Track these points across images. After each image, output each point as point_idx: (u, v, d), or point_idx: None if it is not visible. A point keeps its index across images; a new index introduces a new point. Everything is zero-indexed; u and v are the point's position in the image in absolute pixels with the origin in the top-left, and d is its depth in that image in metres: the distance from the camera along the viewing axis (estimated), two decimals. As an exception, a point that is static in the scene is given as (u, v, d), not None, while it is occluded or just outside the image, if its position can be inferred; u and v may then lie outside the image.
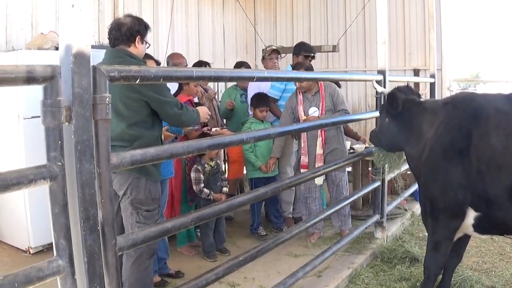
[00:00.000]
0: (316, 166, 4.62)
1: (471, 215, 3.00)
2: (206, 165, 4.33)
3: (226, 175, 4.94)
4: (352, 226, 4.89)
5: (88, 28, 1.59)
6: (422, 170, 3.25)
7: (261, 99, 4.99)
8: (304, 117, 4.58)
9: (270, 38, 9.10)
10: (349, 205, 4.77)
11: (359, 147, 5.80)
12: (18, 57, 4.11)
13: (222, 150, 5.32)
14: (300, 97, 4.70)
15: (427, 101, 3.50)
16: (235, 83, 5.59)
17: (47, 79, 1.53)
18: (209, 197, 4.26)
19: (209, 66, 5.41)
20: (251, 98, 5.05)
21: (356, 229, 4.38)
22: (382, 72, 4.51)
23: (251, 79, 3.05)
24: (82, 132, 1.64)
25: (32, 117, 3.97)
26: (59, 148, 1.61)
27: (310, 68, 4.77)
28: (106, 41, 5.70)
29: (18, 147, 4.03)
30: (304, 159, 4.75)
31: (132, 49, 2.91)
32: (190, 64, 5.65)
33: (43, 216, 3.41)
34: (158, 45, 6.94)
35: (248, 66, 5.72)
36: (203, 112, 3.37)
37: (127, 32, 2.86)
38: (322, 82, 4.68)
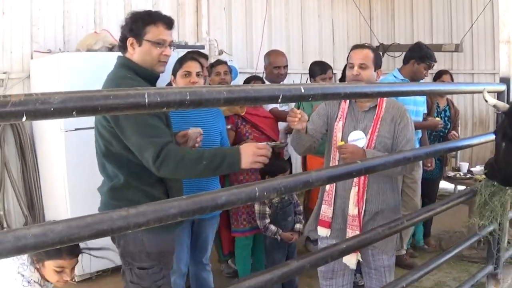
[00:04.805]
0: (347, 232, 2.62)
1: None
2: (274, 195, 3.54)
3: (303, 206, 4.00)
4: (461, 271, 3.85)
5: None
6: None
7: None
8: (341, 142, 2.62)
9: (387, 36, 8.15)
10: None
11: (480, 171, 4.64)
12: (59, 61, 3.68)
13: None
14: (345, 106, 2.73)
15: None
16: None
17: None
18: (275, 236, 3.48)
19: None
20: None
21: (461, 286, 3.32)
22: (505, 80, 3.34)
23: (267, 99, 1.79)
24: None
25: (75, 129, 3.67)
26: None
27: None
28: (187, 40, 5.31)
29: (60, 158, 3.78)
30: (327, 211, 2.70)
31: (130, 56, 2.21)
32: (290, 65, 4.83)
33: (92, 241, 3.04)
34: (252, 42, 6.31)
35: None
36: (248, 153, 2.00)
37: (121, 35, 2.23)
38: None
